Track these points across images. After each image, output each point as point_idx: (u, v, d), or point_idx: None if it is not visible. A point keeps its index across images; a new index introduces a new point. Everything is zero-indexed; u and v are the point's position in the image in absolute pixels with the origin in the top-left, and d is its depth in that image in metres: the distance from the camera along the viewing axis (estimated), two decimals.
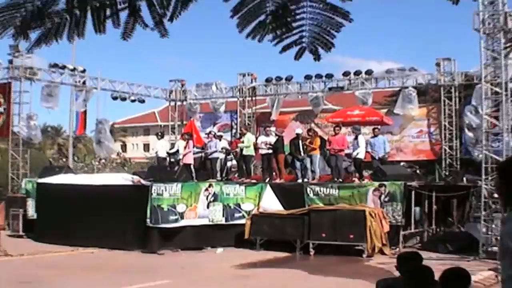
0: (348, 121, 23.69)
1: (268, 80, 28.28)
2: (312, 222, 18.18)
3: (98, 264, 16.25)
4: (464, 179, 21.11)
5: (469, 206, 20.19)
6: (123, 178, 20.27)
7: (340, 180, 20.29)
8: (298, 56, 4.56)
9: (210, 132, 24.31)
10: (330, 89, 26.93)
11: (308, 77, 27.01)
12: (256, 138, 23.29)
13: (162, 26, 4.36)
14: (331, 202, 19.43)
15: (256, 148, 22.21)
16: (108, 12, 4.30)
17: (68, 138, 34.72)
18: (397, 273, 5.78)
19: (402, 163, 23.12)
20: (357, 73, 26.15)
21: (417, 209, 19.44)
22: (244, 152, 21.96)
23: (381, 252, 17.69)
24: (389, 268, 14.09)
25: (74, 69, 26.35)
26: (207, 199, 19.48)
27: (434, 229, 20.23)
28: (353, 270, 15.67)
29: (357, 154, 20.53)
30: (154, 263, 16.54)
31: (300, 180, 21.16)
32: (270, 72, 56.06)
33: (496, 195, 17.75)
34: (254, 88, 28.93)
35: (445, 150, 24.54)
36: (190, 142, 23.28)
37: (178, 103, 31.16)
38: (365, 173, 21.48)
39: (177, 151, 22.98)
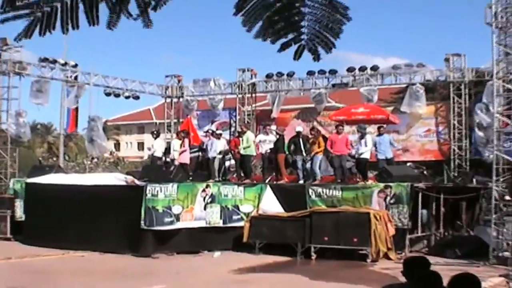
0: (352, 120, 23.68)
1: (268, 76, 28.27)
2: (313, 225, 18.16)
3: (89, 268, 16.22)
4: (474, 180, 21.10)
5: (479, 209, 20.17)
6: (116, 178, 20.25)
7: (345, 180, 20.27)
8: (297, 55, 4.52)
9: (208, 131, 24.28)
10: (333, 85, 26.93)
11: (310, 73, 27.00)
12: (255, 137, 23.25)
13: (147, 15, 4.34)
14: (334, 204, 19.40)
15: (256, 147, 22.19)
16: None
17: (59, 136, 34.74)
18: (403, 279, 5.75)
19: (408, 164, 23.09)
20: (362, 69, 26.15)
21: (424, 211, 19.41)
22: (244, 152, 21.91)
23: (386, 256, 17.67)
24: (394, 273, 14.05)
25: (65, 64, 26.32)
26: (204, 200, 19.45)
27: (442, 232, 20.19)
28: (356, 276, 15.64)
29: (362, 154, 20.50)
30: (148, 267, 16.51)
31: (301, 181, 21.14)
32: (270, 67, 55.99)
33: (508, 198, 17.77)
34: (254, 84, 28.93)
35: (454, 150, 24.52)
36: (186, 140, 23.26)
37: (175, 99, 31.16)
38: (370, 174, 21.46)
39: (173, 149, 22.95)
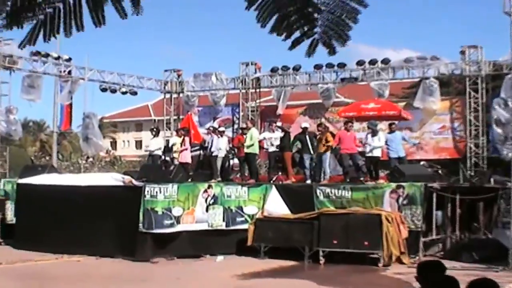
0: (362, 116, 23.67)
1: (273, 70, 28.27)
2: (322, 228, 18.15)
3: (85, 274, 16.23)
4: (492, 180, 21.05)
5: (497, 210, 20.12)
6: (113, 179, 20.26)
7: (361, 179, 20.26)
8: (311, 50, 4.51)
9: (209, 128, 24.28)
10: (342, 80, 26.93)
11: (318, 67, 26.98)
12: (260, 134, 23.22)
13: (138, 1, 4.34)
14: (343, 205, 19.38)
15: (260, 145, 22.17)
16: None
17: (52, 134, 34.74)
18: (416, 284, 5.74)
19: (422, 162, 23.07)
20: (373, 62, 26.14)
21: (439, 213, 19.40)
22: (248, 150, 21.87)
23: (399, 261, 17.65)
24: (407, 278, 14.07)
25: (58, 58, 26.35)
26: (206, 201, 19.46)
27: (458, 235, 20.17)
28: (367, 281, 15.65)
29: (373, 151, 20.47)
30: (147, 272, 16.53)
31: (308, 181, 21.13)
32: (275, 61, 56.01)
33: None
34: (258, 79, 28.94)
35: (470, 148, 24.51)
36: (187, 138, 23.27)
37: (174, 95, 31.20)
38: (381, 173, 21.44)
39: (172, 148, 22.97)
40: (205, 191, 19.58)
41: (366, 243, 17.59)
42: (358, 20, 4.44)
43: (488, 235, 20.04)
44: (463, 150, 24.94)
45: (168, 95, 31.46)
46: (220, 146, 22.37)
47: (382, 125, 22.81)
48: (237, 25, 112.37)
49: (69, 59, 26.77)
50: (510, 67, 18.33)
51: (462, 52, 24.96)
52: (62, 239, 18.88)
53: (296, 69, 27.57)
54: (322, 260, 17.93)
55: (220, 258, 18.77)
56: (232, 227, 19.79)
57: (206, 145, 23.23)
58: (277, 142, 21.98)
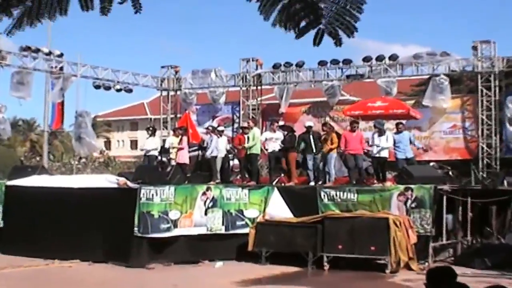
0: (368, 115, 23.69)
1: (275, 67, 28.29)
2: (326, 232, 18.15)
3: (77, 280, 16.24)
4: (505, 182, 21.05)
5: (510, 213, 20.15)
6: (107, 180, 20.26)
7: (361, 182, 20.27)
8: (317, 40, 4.52)
9: (208, 127, 24.28)
10: (348, 77, 26.94)
11: (322, 63, 27.01)
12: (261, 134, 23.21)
13: None
14: (348, 209, 19.40)
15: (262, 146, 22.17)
16: None
17: (43, 133, 34.78)
18: None
19: (432, 163, 23.09)
20: (380, 58, 26.16)
21: (450, 217, 19.41)
22: (249, 150, 21.86)
23: (407, 267, 17.65)
24: (416, 285, 14.07)
25: (49, 53, 26.37)
26: (204, 204, 19.46)
27: (469, 240, 20.18)
28: None
29: (381, 152, 20.46)
30: (142, 279, 16.53)
31: (312, 183, 21.14)
32: (278, 57, 56.05)
33: None
34: (259, 75, 28.96)
35: (482, 148, 24.51)
36: (185, 138, 23.28)
37: (171, 93, 31.22)
38: (389, 175, 21.45)
39: (169, 148, 22.97)
40: (204, 193, 19.58)
41: (372, 248, 17.59)
42: (362, 10, 4.46)
43: (501, 240, 20.05)
44: (474, 150, 24.93)
45: (165, 93, 31.48)
46: (219, 146, 22.38)
47: (390, 125, 22.82)
48: (238, 19, 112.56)
49: (61, 55, 26.78)
50: None
51: (474, 48, 24.96)
52: (53, 243, 18.88)
53: (299, 65, 27.58)
54: (326, 266, 17.94)
55: (219, 264, 18.77)
56: (232, 231, 19.78)
57: (205, 145, 23.23)
58: (278, 142, 21.95)
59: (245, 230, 19.56)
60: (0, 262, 18.11)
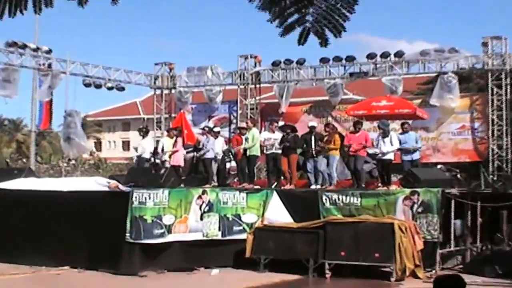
0: (373, 114, 23.69)
1: (275, 64, 28.30)
2: (328, 238, 18.15)
3: None
4: None
5: None
6: (97, 183, 20.25)
7: (362, 185, 20.27)
8: (302, 39, 4.50)
9: (204, 128, 24.29)
10: (351, 75, 26.95)
11: (324, 60, 27.01)
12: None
13: None
14: (351, 213, 19.41)
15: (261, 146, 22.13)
16: None
17: (30, 133, 34.75)
18: None
19: (439, 166, 23.12)
20: (385, 55, 26.17)
21: (458, 222, 19.40)
22: (249, 152, 21.81)
23: (414, 275, 17.65)
24: None
25: (37, 49, 26.37)
26: (200, 209, 19.46)
27: (479, 247, 20.18)
28: None
29: (386, 154, 20.45)
30: (134, 286, 16.52)
31: (313, 186, 21.14)
32: (277, 54, 55.89)
33: None
34: (258, 73, 28.97)
35: (492, 149, 24.53)
36: (179, 139, 23.28)
37: (165, 91, 31.23)
38: (394, 178, 21.45)
39: (163, 150, 22.96)
40: (199, 197, 19.58)
41: (377, 255, 17.59)
42: (354, 10, 4.42)
43: None
44: (484, 152, 24.95)
45: (158, 91, 31.48)
46: (215, 147, 22.38)
47: (395, 125, 22.83)
48: (235, 15, 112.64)
49: (49, 51, 26.77)
50: None
51: (484, 44, 24.97)
52: (40, 250, 18.88)
53: (300, 62, 27.58)
54: (328, 274, 17.92)
55: (215, 271, 18.77)
56: (229, 237, 19.79)
57: (201, 146, 23.21)
58: (277, 143, 21.92)
59: (243, 236, 19.55)
60: None
